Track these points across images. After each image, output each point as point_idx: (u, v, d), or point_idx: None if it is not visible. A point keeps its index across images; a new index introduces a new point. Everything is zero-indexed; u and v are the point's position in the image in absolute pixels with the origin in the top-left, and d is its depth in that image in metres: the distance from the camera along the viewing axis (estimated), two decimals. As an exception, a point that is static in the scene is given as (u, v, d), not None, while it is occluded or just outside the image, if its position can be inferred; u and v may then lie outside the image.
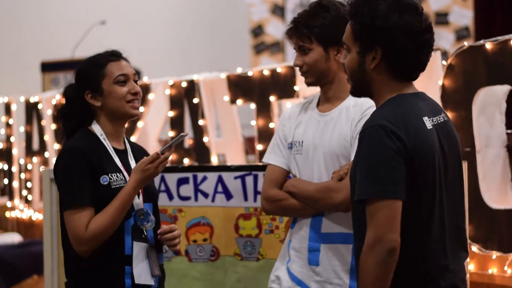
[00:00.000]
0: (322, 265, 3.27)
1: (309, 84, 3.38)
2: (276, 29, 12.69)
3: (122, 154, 3.14)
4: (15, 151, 8.57)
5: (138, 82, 3.17)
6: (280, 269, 3.42)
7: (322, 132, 3.32)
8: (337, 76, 3.34)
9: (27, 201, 8.36)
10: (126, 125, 3.22)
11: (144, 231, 3.06)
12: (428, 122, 2.54)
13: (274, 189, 3.38)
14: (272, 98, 5.77)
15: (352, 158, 3.20)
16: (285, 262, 3.41)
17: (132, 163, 3.15)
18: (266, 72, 5.81)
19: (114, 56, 3.15)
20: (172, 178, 4.08)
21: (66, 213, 2.99)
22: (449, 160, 2.59)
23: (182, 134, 3.06)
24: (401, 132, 2.45)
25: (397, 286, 2.50)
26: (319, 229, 3.29)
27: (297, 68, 3.44)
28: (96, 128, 3.12)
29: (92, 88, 3.11)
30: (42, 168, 7.79)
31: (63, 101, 3.19)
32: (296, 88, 5.58)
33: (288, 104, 5.83)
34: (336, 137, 3.27)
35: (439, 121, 2.59)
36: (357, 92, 2.66)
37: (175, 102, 6.43)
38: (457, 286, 2.58)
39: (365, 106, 3.26)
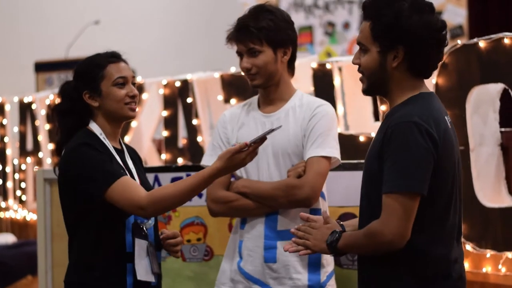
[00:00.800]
0: (280, 262, 3.31)
1: (256, 86, 3.39)
2: (270, 28, 12.64)
3: (120, 153, 3.16)
4: (9, 152, 8.53)
5: (136, 84, 3.18)
6: (230, 271, 3.43)
7: None
8: (282, 78, 3.37)
9: (21, 202, 8.34)
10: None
11: (144, 229, 3.07)
12: (448, 121, 2.64)
13: (222, 190, 3.39)
14: (266, 98, 5.76)
15: (305, 157, 3.25)
16: (234, 262, 3.42)
17: (130, 163, 3.16)
18: (260, 71, 5.80)
19: (114, 57, 3.16)
20: (165, 178, 4.07)
21: (110, 189, 2.94)
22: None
23: (276, 127, 2.92)
24: (433, 130, 2.54)
25: (413, 281, 2.59)
26: (275, 226, 3.34)
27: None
28: (94, 127, 3.13)
29: (91, 88, 3.11)
30: (36, 168, 7.78)
31: (60, 98, 3.19)
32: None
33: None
34: (286, 136, 3.31)
35: (449, 119, 2.69)
36: (373, 91, 2.75)
37: (169, 101, 6.41)
38: (463, 278, 2.68)
39: (313, 106, 3.32)
